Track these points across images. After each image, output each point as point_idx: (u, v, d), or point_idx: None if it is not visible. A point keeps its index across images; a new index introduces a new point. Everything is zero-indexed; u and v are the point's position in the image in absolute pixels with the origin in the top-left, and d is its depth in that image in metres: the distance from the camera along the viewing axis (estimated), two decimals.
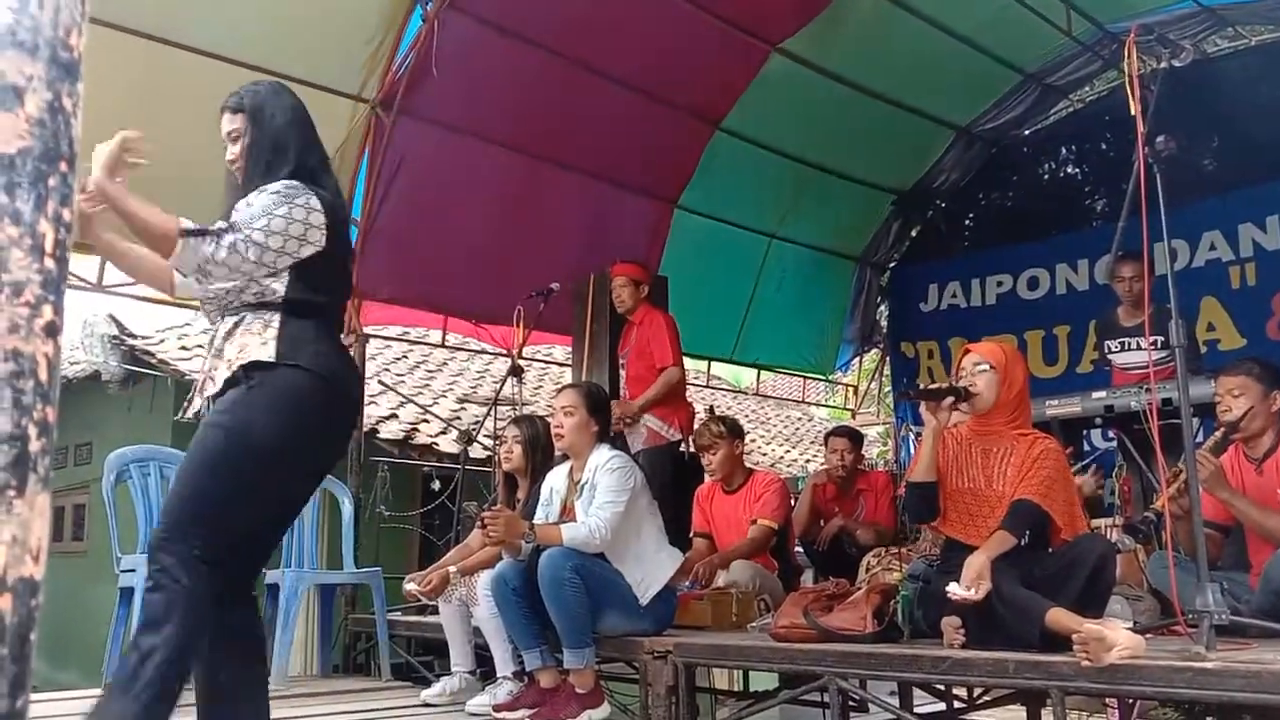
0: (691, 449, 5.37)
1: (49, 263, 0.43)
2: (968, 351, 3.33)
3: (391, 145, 5.38)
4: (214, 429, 2.16)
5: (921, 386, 3.37)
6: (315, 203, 2.29)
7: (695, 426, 5.04)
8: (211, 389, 2.23)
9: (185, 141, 4.84)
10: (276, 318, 2.24)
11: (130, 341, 6.98)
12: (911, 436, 7.48)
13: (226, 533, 2.15)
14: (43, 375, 0.42)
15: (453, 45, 5.12)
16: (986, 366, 3.22)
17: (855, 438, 5.52)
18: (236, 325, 2.25)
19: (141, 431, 6.62)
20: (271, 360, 2.18)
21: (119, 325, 7.01)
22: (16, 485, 0.41)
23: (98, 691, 4.03)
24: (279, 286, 2.26)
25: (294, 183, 2.29)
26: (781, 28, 6.12)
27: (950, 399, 3.21)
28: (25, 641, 0.42)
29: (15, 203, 0.42)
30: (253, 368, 2.18)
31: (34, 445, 0.42)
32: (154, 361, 6.84)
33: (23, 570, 0.41)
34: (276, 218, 2.23)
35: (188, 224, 2.17)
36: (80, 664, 5.76)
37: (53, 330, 0.43)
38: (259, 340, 2.20)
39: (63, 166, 0.44)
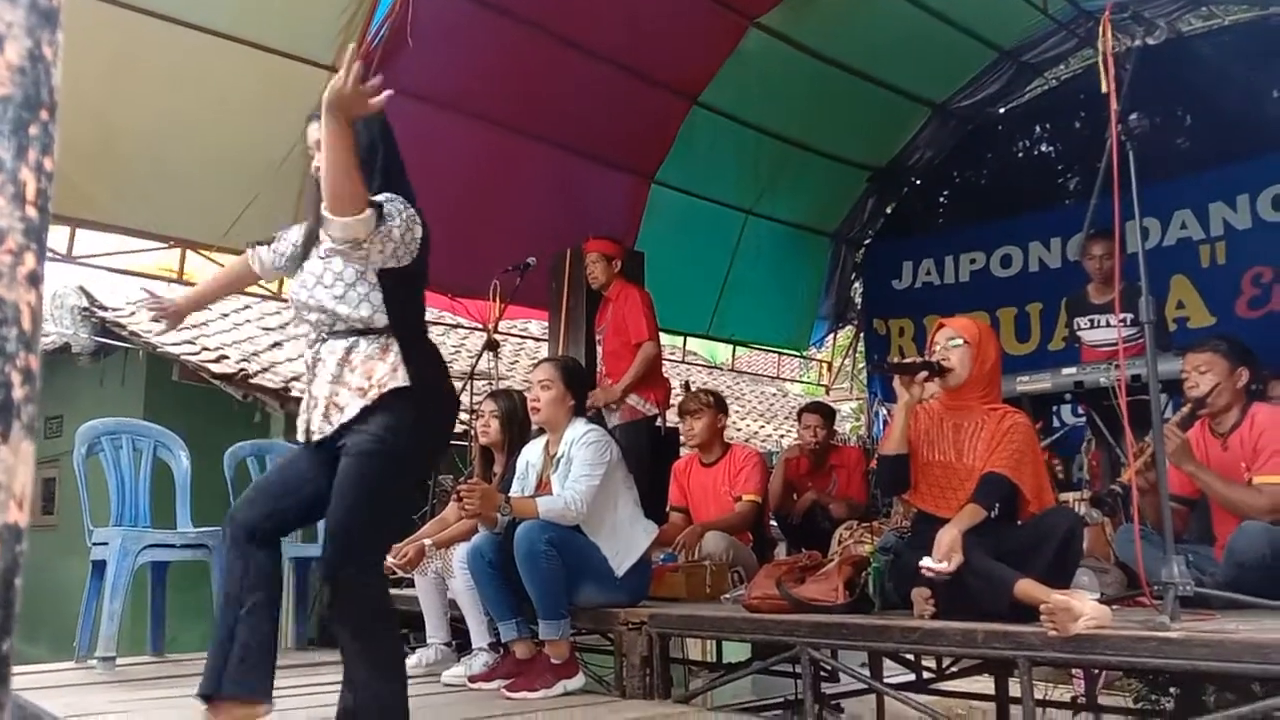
0: (668, 424, 5.40)
1: (31, 211, 0.43)
2: (941, 326, 3.36)
3: None
4: (369, 459, 2.32)
5: (895, 360, 3.39)
6: (413, 213, 2.41)
7: (679, 398, 5.08)
8: (340, 416, 2.37)
9: (161, 109, 4.80)
10: (393, 342, 2.39)
11: (101, 313, 6.89)
12: (884, 412, 7.54)
13: (386, 540, 2.55)
14: (25, 323, 0.42)
15: (428, 16, 5.07)
16: (960, 341, 3.25)
17: (827, 413, 5.55)
18: (349, 351, 2.39)
19: (113, 404, 6.56)
20: (408, 385, 2.35)
21: (89, 297, 6.91)
22: (1, 432, 0.41)
23: (69, 665, 4.03)
24: (378, 301, 2.39)
25: (398, 196, 2.41)
26: (759, 2, 6.09)
27: (924, 373, 3.24)
28: (10, 587, 0.42)
29: None
30: (391, 394, 2.34)
31: (17, 392, 0.42)
32: (125, 334, 6.76)
33: (8, 516, 0.42)
34: (408, 225, 2.36)
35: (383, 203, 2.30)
36: (51, 638, 5.73)
37: (35, 279, 0.43)
38: (388, 367, 2.36)
39: (44, 115, 0.45)
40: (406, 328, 2.43)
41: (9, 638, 0.43)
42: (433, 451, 2.66)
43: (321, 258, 2.43)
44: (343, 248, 2.30)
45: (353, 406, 2.34)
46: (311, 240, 2.48)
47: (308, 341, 2.50)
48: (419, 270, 2.46)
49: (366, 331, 2.39)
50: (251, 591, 2.43)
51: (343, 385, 2.38)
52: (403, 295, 2.44)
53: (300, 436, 2.50)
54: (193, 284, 5.73)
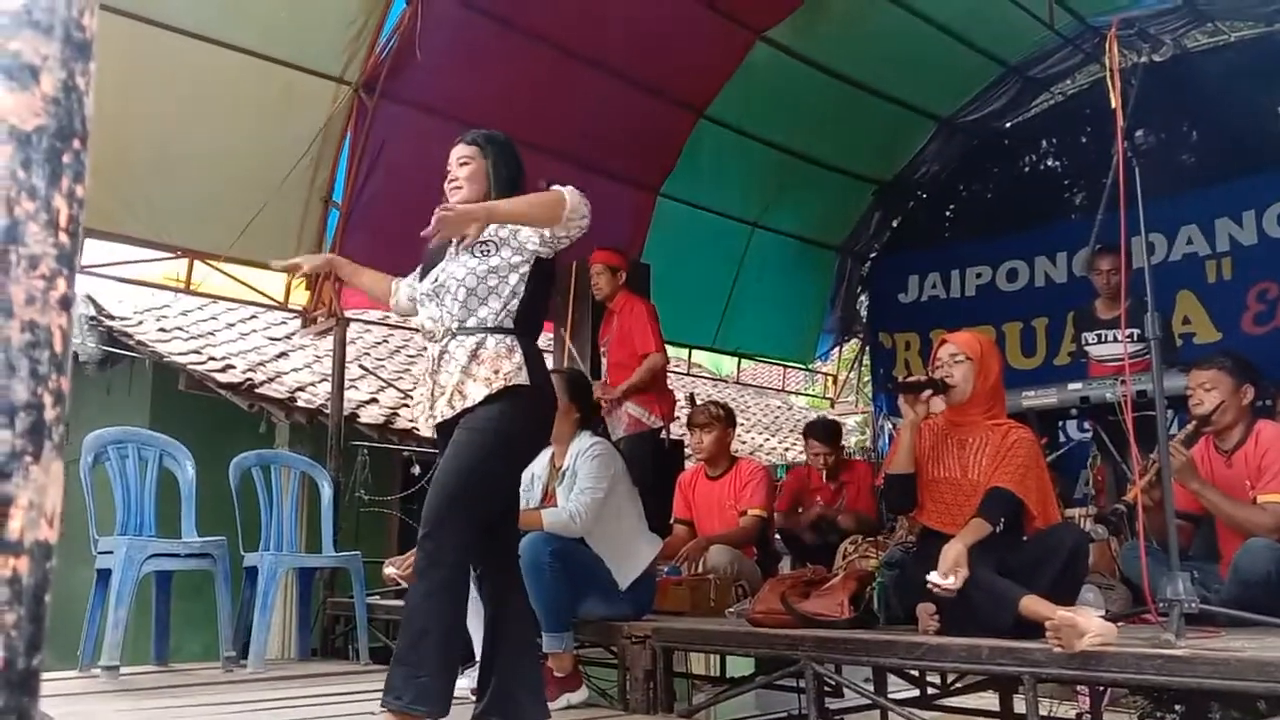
0: (672, 436, 5.39)
1: (63, 237, 0.44)
2: (944, 342, 3.36)
3: (374, 128, 5.35)
4: (476, 433, 2.59)
5: (900, 379, 3.40)
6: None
7: (689, 409, 5.07)
8: (463, 403, 2.63)
9: (169, 119, 4.83)
10: (516, 342, 2.66)
11: (108, 322, 6.91)
12: (889, 426, 7.54)
13: (480, 516, 2.61)
14: (57, 346, 0.43)
15: (436, 28, 5.10)
16: (963, 357, 3.25)
17: (830, 436, 5.46)
18: (479, 347, 2.65)
19: (119, 413, 6.57)
20: (526, 384, 2.62)
21: (97, 306, 6.93)
22: (33, 452, 0.42)
23: (73, 673, 4.04)
24: (515, 305, 2.67)
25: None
26: (766, 15, 6.12)
27: (929, 391, 3.24)
28: (40, 603, 0.43)
29: (32, 178, 0.43)
30: (513, 388, 2.61)
31: (49, 413, 0.43)
32: (132, 343, 6.77)
33: (39, 534, 0.43)
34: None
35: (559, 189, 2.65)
36: (56, 646, 5.73)
37: (66, 303, 0.44)
38: (512, 364, 2.63)
39: (76, 144, 0.45)
40: (528, 331, 2.73)
41: (39, 652, 0.44)
42: (535, 447, 2.89)
43: (477, 254, 2.70)
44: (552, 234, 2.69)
45: (476, 394, 2.61)
46: (436, 258, 2.82)
47: (432, 337, 2.77)
48: (550, 275, 2.81)
49: (495, 330, 2.66)
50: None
51: (470, 376, 2.63)
52: (538, 296, 2.75)
53: (421, 425, 2.78)
54: (200, 294, 5.75)
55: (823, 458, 5.34)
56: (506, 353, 2.64)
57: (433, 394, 2.73)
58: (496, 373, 2.62)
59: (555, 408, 2.87)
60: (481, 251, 2.71)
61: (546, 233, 2.67)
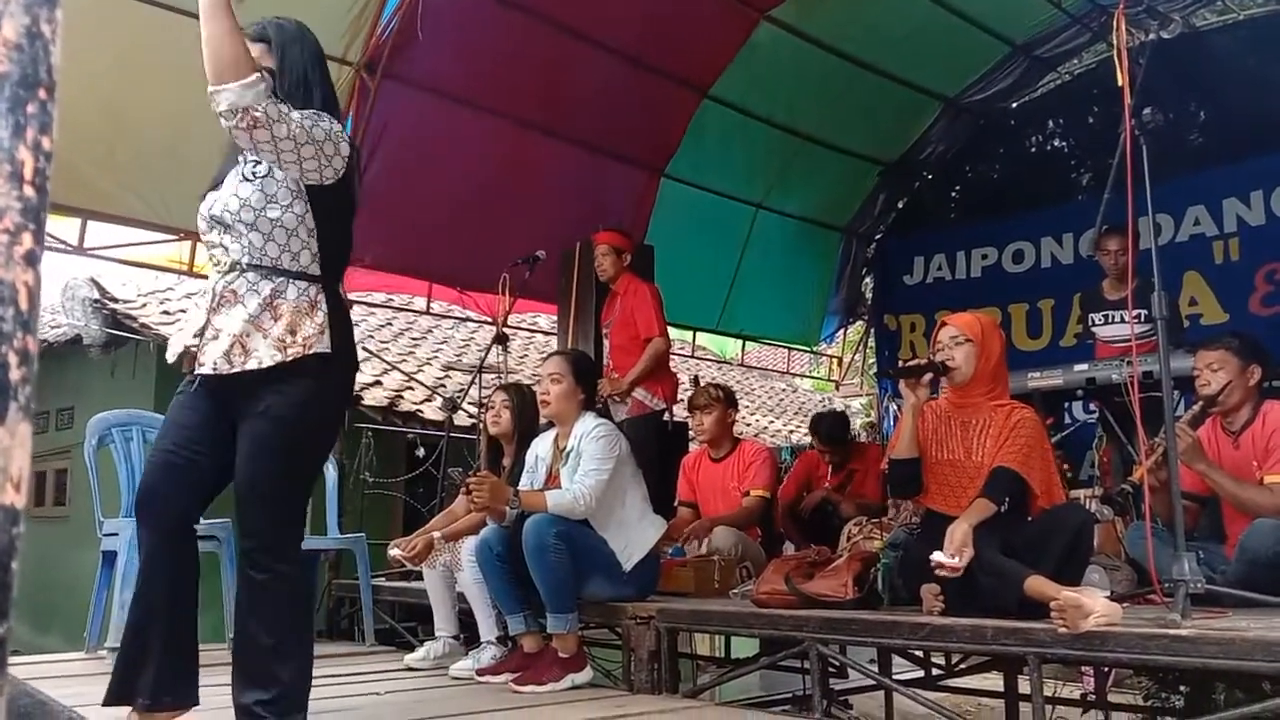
0: (676, 419, 5.38)
1: (28, 190, 0.43)
2: (944, 324, 3.33)
3: (376, 109, 5.32)
4: (294, 426, 2.22)
5: (901, 363, 3.38)
6: (340, 130, 2.29)
7: (691, 392, 5.06)
8: (245, 360, 2.19)
9: (169, 101, 4.80)
10: (322, 299, 2.26)
11: (112, 305, 6.91)
12: (894, 408, 7.52)
13: (301, 512, 2.38)
14: (23, 303, 0.42)
15: (439, 8, 5.07)
16: (963, 339, 3.23)
17: (833, 440, 5.43)
18: (275, 295, 2.23)
19: (123, 396, 6.58)
20: (328, 351, 2.23)
21: (100, 289, 6.94)
22: None
23: (79, 655, 4.06)
24: (313, 245, 2.26)
25: (323, 112, 2.28)
26: None
27: (929, 375, 3.22)
28: (7, 570, 0.42)
29: None
30: (314, 357, 2.22)
31: (14, 373, 0.42)
32: (136, 325, 6.78)
33: (4, 498, 0.41)
34: (319, 126, 2.21)
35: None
36: (62, 629, 5.77)
37: (32, 259, 0.43)
38: (313, 325, 2.22)
39: (41, 94, 0.44)
40: (334, 280, 2.32)
41: (6, 620, 0.43)
42: (339, 421, 2.65)
43: (249, 177, 2.25)
44: (241, 128, 2.09)
45: (266, 358, 2.18)
46: (233, 160, 2.33)
47: (218, 266, 2.29)
48: (346, 207, 2.34)
49: (297, 276, 2.25)
50: (188, 587, 2.33)
51: (259, 329, 2.20)
52: (338, 230, 2.32)
53: (171, 354, 2.38)
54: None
55: (827, 455, 5.33)
56: (309, 309, 2.23)
57: (203, 334, 2.27)
58: (293, 334, 2.20)
59: (356, 370, 2.48)
60: (252, 173, 2.25)
61: (288, 153, 2.15)
